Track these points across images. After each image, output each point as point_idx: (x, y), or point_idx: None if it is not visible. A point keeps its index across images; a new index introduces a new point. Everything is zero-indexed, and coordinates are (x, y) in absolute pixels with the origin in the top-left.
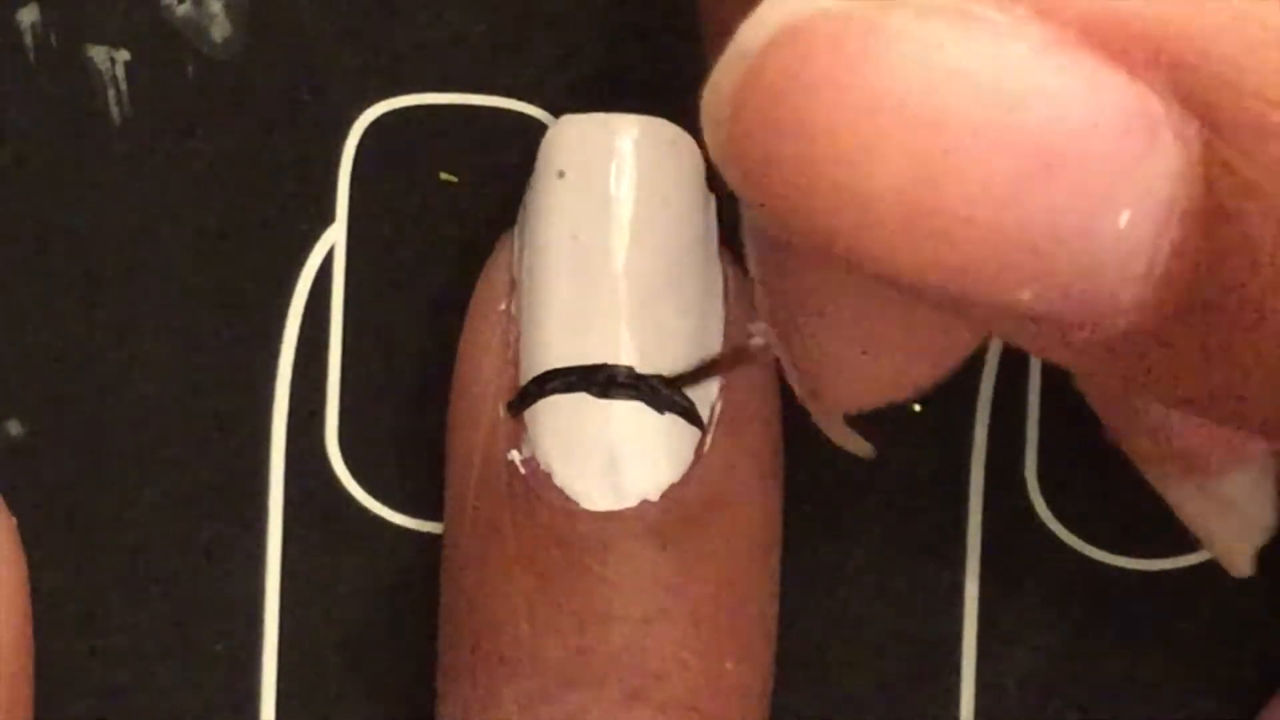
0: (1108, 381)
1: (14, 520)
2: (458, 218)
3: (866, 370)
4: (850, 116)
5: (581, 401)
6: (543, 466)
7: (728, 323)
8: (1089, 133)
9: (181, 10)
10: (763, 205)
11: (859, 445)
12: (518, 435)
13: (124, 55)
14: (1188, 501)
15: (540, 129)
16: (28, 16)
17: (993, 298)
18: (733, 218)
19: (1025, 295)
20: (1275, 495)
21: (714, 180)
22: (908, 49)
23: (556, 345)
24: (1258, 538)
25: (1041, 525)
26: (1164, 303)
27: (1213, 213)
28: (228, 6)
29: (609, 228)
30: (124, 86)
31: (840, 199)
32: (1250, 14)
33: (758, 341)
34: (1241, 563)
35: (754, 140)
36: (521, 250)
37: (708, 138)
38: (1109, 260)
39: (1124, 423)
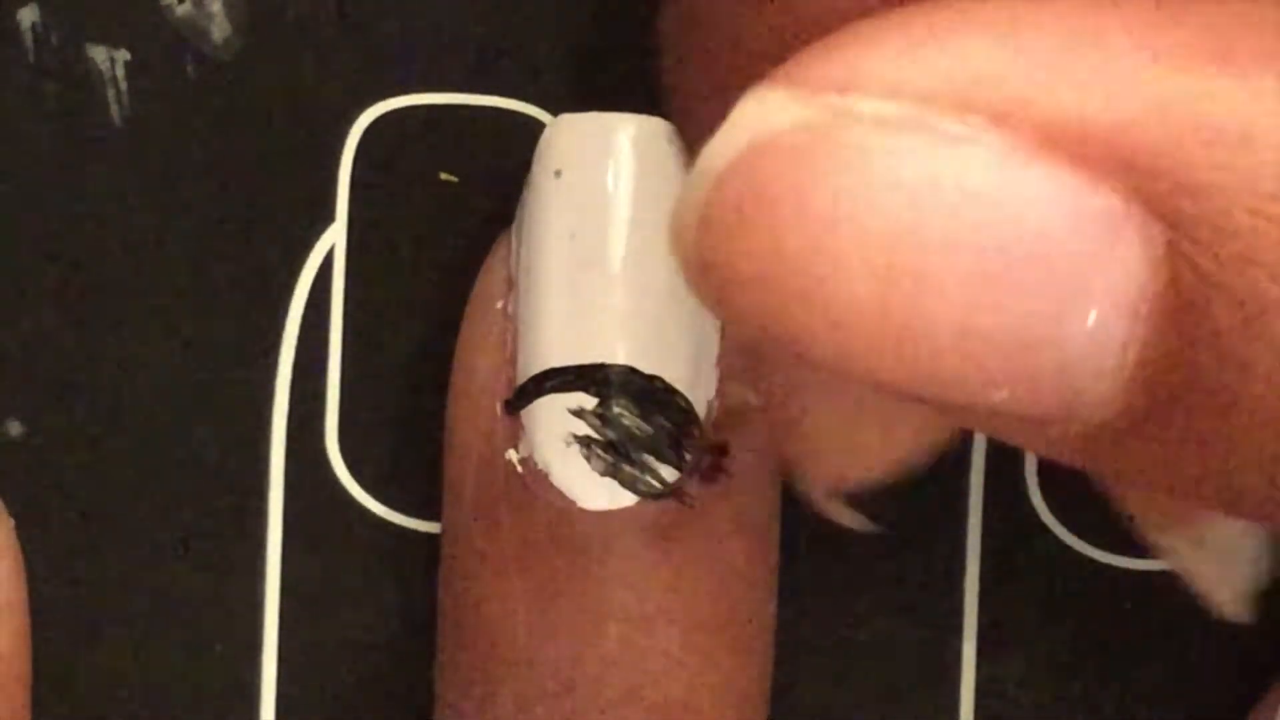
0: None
1: (13, 521)
2: (458, 218)
3: (860, 443)
4: (815, 232)
5: (579, 400)
6: (540, 465)
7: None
8: (1051, 236)
9: (181, 10)
10: (733, 318)
11: (857, 520)
12: (515, 434)
13: (124, 55)
14: (1178, 549)
15: (540, 129)
16: (28, 16)
17: (968, 399)
18: None
19: (999, 396)
20: (1266, 540)
21: None
22: (867, 163)
23: (554, 344)
24: (1249, 582)
25: (1041, 525)
26: (1137, 396)
27: (1179, 308)
28: (228, 6)
29: (606, 226)
30: (124, 86)
31: (809, 312)
32: (1205, 115)
33: (753, 401)
34: (1234, 608)
35: (721, 258)
36: (519, 249)
37: (675, 254)
38: (1079, 359)
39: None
